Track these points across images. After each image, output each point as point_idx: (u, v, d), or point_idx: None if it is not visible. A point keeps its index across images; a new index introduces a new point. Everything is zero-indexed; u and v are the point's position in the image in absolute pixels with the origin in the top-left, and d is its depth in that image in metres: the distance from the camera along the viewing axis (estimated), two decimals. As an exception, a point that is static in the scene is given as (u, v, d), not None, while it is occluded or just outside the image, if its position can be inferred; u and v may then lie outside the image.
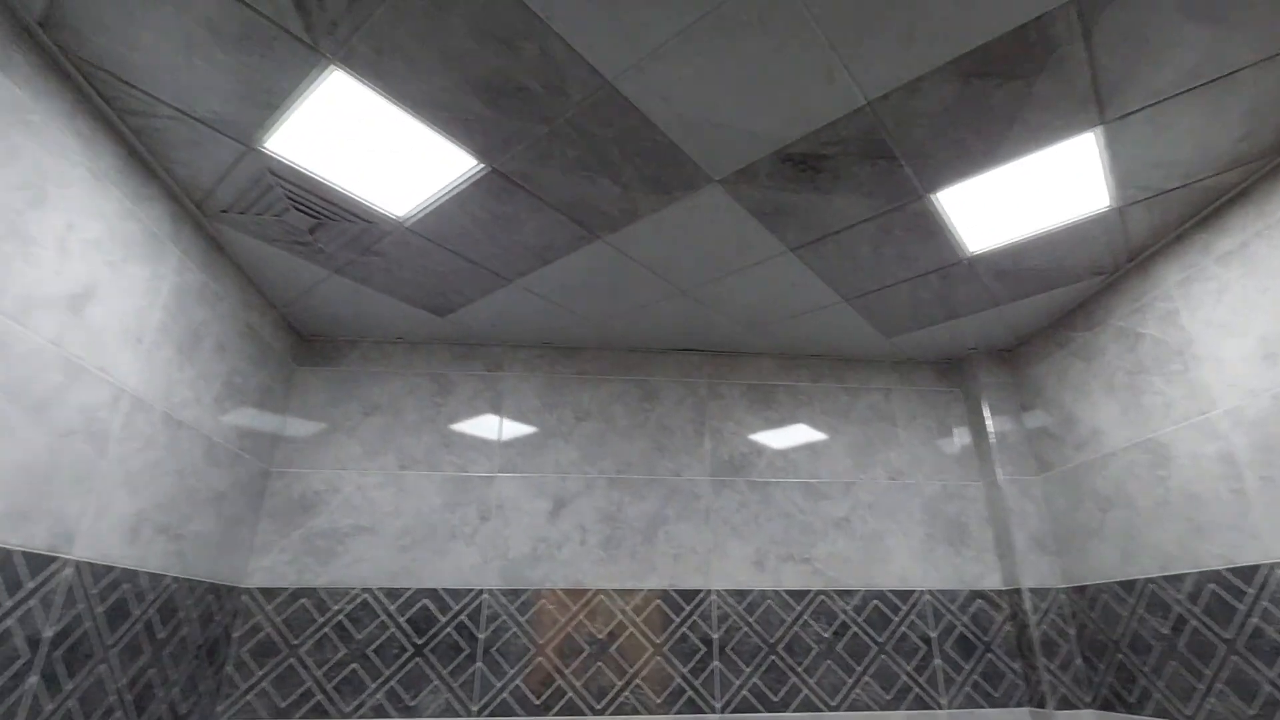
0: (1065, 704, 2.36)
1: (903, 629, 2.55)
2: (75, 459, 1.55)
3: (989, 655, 2.54)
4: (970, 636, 2.57)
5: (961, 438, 2.88)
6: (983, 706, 2.47)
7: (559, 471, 2.63)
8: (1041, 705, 2.40)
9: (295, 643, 2.28)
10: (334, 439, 2.57)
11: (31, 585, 1.44)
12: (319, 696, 2.23)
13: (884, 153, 1.73)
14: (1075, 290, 2.41)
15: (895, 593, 2.60)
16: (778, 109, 1.58)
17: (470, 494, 2.55)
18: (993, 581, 2.65)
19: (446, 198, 1.88)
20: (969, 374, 2.95)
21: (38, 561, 1.45)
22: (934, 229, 2.04)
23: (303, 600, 2.34)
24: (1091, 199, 1.91)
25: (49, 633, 1.49)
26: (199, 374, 2.03)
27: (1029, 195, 1.90)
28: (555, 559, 2.50)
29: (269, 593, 2.34)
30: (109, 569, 1.67)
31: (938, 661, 2.52)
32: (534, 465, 2.63)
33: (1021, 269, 2.26)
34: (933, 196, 1.90)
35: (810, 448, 2.80)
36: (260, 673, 2.24)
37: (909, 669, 2.50)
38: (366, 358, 2.71)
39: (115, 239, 1.65)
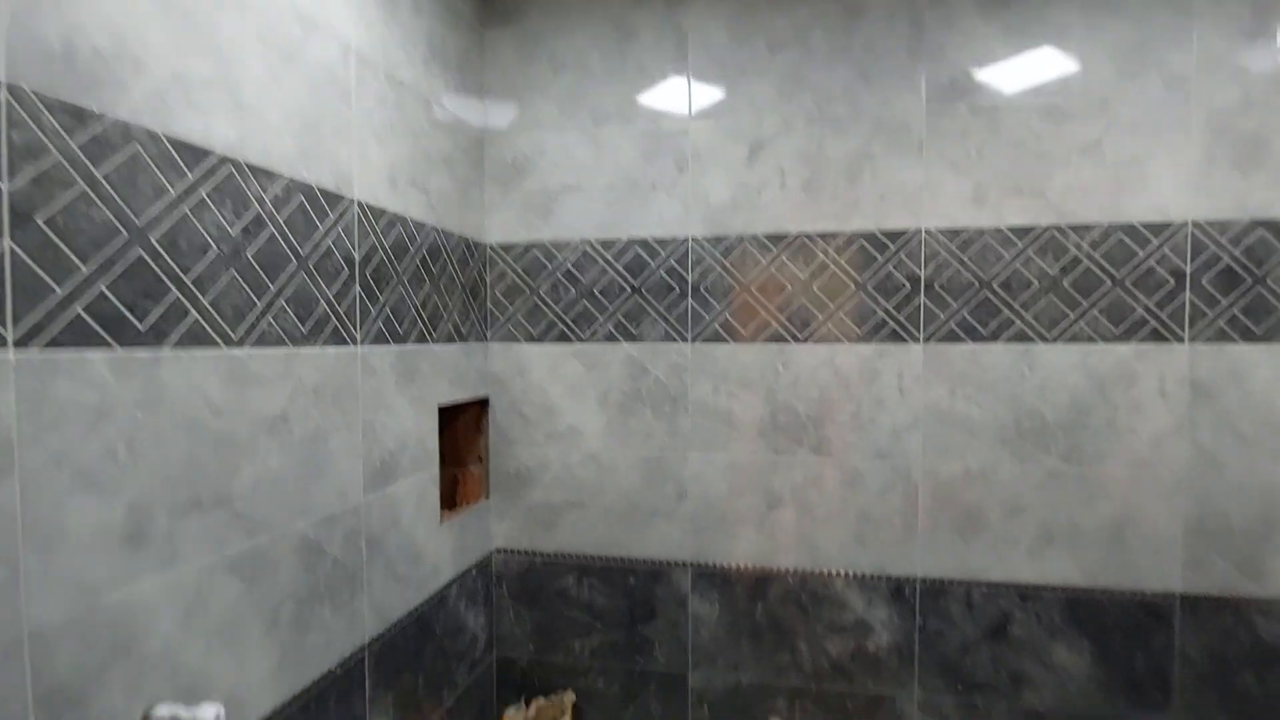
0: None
1: (1149, 263, 2.28)
2: (330, 110, 1.77)
3: (1258, 288, 2.22)
4: (1237, 268, 2.24)
5: (1288, 28, 2.17)
6: (1235, 341, 2.24)
7: (754, 112, 2.49)
8: (1322, 332, 2.11)
9: (535, 285, 2.69)
10: (530, 101, 2.65)
11: (333, 216, 1.78)
12: (560, 327, 2.67)
13: None
14: None
15: (1147, 225, 2.28)
16: None
17: (665, 145, 2.56)
18: (1288, 206, 2.19)
19: None
20: (1328, -82, 2.09)
21: (331, 197, 1.77)
22: None
23: (534, 251, 2.68)
24: None
25: (357, 256, 1.88)
26: (405, 35, 2.12)
27: None
28: (755, 204, 2.51)
29: (506, 247, 2.70)
30: (383, 211, 2.01)
31: (1186, 295, 2.26)
32: (727, 108, 2.51)
33: None
34: None
35: (1060, 57, 2.31)
36: (512, 308, 2.71)
37: (1149, 303, 2.29)
38: (546, 12, 2.61)
39: (293, -124, 1.64)
